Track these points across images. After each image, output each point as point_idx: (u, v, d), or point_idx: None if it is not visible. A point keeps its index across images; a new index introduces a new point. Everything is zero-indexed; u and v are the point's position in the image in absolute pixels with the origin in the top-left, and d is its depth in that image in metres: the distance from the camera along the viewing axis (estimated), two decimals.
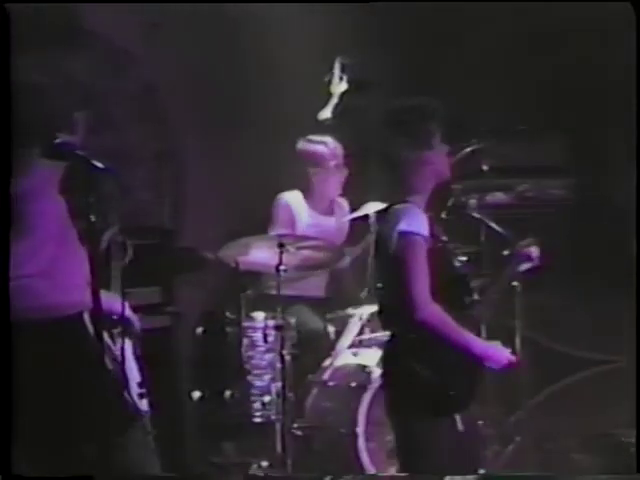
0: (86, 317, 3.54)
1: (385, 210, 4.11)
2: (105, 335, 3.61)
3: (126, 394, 3.62)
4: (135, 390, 3.72)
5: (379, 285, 4.15)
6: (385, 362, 4.12)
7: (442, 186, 4.17)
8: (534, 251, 4.30)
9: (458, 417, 3.99)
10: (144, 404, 3.74)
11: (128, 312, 3.80)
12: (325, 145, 6.14)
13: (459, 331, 3.91)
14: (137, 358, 3.87)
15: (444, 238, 4.12)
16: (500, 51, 6.50)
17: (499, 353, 4.01)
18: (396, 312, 3.99)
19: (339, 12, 6.39)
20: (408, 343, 3.97)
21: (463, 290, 4.08)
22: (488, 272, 5.28)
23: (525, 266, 4.32)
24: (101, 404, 3.39)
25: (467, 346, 3.92)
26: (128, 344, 3.81)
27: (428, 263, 3.93)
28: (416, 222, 3.95)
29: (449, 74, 6.57)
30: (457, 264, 4.20)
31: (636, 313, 4.56)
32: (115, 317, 3.73)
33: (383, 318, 4.22)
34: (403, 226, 3.93)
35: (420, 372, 3.92)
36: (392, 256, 3.95)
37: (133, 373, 3.79)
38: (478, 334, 4.07)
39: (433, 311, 3.88)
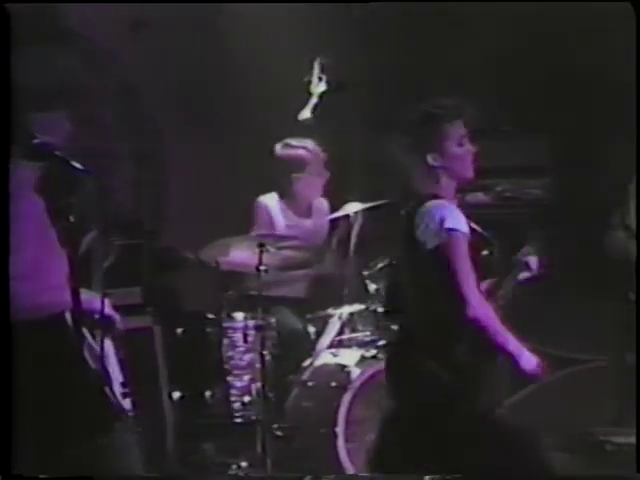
0: (68, 317, 3.54)
1: (412, 208, 4.06)
2: (87, 335, 3.61)
3: (110, 393, 3.62)
4: (118, 389, 3.71)
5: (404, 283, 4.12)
6: (396, 359, 4.13)
7: (465, 186, 4.18)
8: (533, 260, 4.29)
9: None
10: (127, 403, 3.74)
11: (110, 311, 3.80)
12: (306, 149, 6.14)
13: (502, 330, 3.93)
14: (119, 358, 3.87)
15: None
16: (488, 51, 6.52)
17: (530, 355, 4.01)
18: (416, 309, 4.02)
19: (320, 12, 6.41)
20: (421, 340, 3.99)
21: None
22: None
23: (524, 275, 4.30)
24: (84, 403, 3.40)
25: (505, 343, 3.93)
26: (110, 344, 3.81)
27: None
28: (459, 219, 3.97)
29: (431, 74, 6.59)
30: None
31: (636, 313, 4.58)
32: (97, 316, 3.73)
33: (397, 316, 4.26)
34: (449, 223, 3.92)
35: (433, 370, 3.94)
36: (434, 253, 3.93)
37: (116, 373, 3.79)
38: None
39: (485, 308, 3.90)
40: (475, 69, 6.53)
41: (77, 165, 3.38)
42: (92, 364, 3.57)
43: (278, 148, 6.14)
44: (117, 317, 3.86)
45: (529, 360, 3.99)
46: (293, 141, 6.14)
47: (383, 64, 6.56)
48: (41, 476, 3.43)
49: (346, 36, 6.42)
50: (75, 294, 3.37)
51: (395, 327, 4.37)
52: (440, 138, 4.08)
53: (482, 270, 4.21)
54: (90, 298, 3.66)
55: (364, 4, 6.35)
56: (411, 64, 6.65)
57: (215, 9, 6.38)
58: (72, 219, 3.37)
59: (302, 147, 6.14)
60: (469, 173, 4.14)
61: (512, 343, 3.96)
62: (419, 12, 6.49)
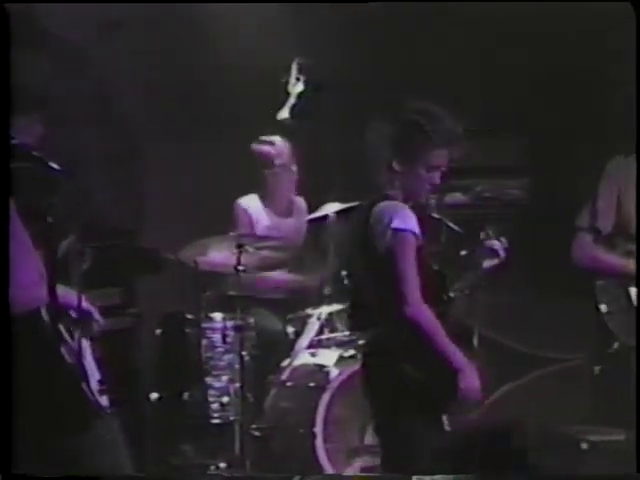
0: (44, 313, 3.52)
1: (368, 208, 4.06)
2: (64, 331, 3.59)
3: (87, 390, 3.61)
4: (95, 386, 3.70)
5: (363, 282, 4.09)
6: (368, 360, 4.10)
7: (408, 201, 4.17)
8: (497, 244, 4.28)
9: (445, 417, 4.00)
10: (105, 400, 3.73)
11: (88, 307, 3.78)
12: (271, 145, 6.16)
13: (444, 337, 3.88)
14: (96, 355, 3.85)
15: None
16: (469, 52, 6.53)
17: (474, 375, 3.94)
18: (383, 310, 3.98)
19: (298, 12, 6.41)
20: (394, 341, 3.95)
21: (441, 287, 4.07)
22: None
23: (490, 262, 4.30)
24: (62, 400, 3.39)
25: (448, 354, 3.87)
26: (86, 342, 3.80)
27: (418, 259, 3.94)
28: (409, 219, 3.96)
29: (410, 74, 6.60)
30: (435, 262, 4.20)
31: (636, 314, 4.60)
32: (73, 313, 3.71)
33: (362, 316, 4.16)
34: (397, 223, 3.93)
35: (405, 370, 3.91)
36: (383, 253, 3.93)
37: (92, 370, 3.78)
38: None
39: (423, 309, 3.87)
40: (455, 70, 6.54)
41: (55, 166, 3.37)
42: (69, 360, 3.56)
43: (252, 146, 6.16)
44: (95, 313, 3.84)
45: (471, 379, 3.91)
46: (263, 138, 6.15)
47: (362, 64, 6.56)
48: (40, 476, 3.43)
49: (325, 37, 6.43)
50: (51, 291, 3.36)
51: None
52: (413, 153, 4.02)
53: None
54: (67, 294, 3.65)
55: (346, 4, 6.35)
56: (391, 64, 6.66)
57: (195, 9, 6.36)
58: (50, 220, 3.36)
59: (268, 142, 6.15)
60: (420, 197, 4.10)
61: (456, 355, 3.89)
62: (399, 12, 6.49)
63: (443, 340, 3.88)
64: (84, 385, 3.57)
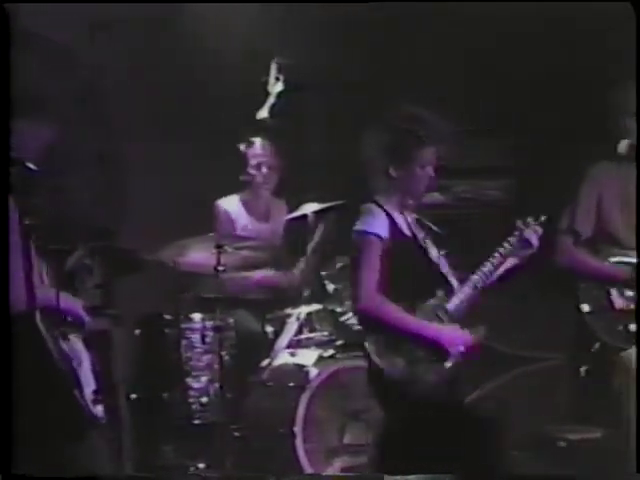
0: (37, 316, 3.51)
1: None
2: (59, 337, 3.58)
3: (80, 398, 3.58)
4: (89, 396, 3.67)
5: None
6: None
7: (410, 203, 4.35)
8: (534, 236, 4.38)
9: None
10: (99, 410, 3.70)
11: (80, 312, 3.76)
12: (249, 145, 6.16)
13: (406, 318, 4.07)
14: (93, 365, 3.82)
15: (419, 234, 4.31)
16: (451, 52, 6.55)
17: (454, 335, 4.13)
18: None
19: (278, 12, 6.40)
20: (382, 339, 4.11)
21: (435, 283, 4.23)
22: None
23: (525, 252, 4.39)
24: (52, 406, 3.37)
25: (418, 332, 4.06)
26: (84, 351, 3.77)
27: (387, 259, 4.13)
28: (373, 222, 4.17)
29: (391, 74, 6.61)
30: (434, 258, 4.33)
31: (636, 314, 4.63)
32: (70, 319, 3.69)
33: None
34: (359, 225, 4.18)
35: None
36: (351, 254, 4.21)
37: (88, 379, 3.74)
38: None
39: (374, 301, 4.06)
40: (437, 70, 6.56)
41: (32, 166, 3.37)
42: (61, 366, 3.54)
43: (233, 146, 6.17)
44: (88, 321, 3.81)
45: (453, 340, 4.10)
46: (243, 139, 6.16)
47: (344, 64, 6.57)
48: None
49: (304, 36, 6.43)
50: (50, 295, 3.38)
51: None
52: (409, 157, 4.22)
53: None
54: (66, 300, 3.64)
55: (330, 4, 6.35)
56: (371, 64, 6.66)
57: (175, 9, 6.35)
58: (27, 221, 3.36)
59: (247, 142, 6.16)
60: (419, 196, 4.33)
61: (426, 329, 4.08)
62: (379, 13, 6.50)
63: (407, 322, 4.07)
64: (77, 393, 3.54)
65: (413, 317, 4.10)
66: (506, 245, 4.39)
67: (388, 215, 4.27)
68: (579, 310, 4.88)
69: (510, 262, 4.44)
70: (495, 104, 6.53)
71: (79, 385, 3.59)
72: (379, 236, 4.16)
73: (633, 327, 4.80)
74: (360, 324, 4.30)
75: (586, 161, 5.00)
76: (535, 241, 4.41)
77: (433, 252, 4.38)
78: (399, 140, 4.21)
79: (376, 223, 4.20)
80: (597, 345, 4.95)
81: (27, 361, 3.41)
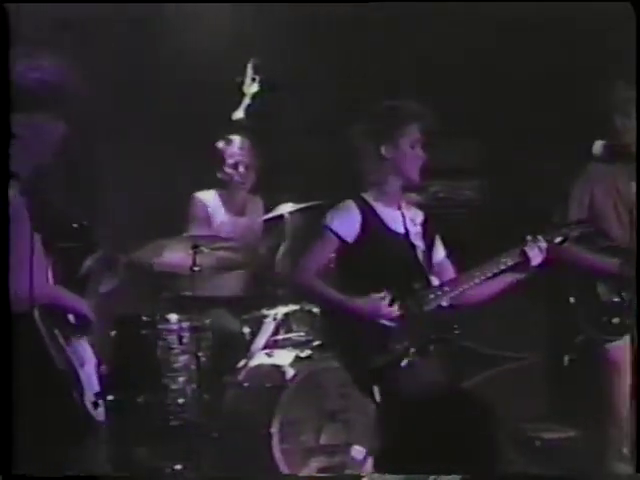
0: (36, 315, 3.49)
1: None
2: (59, 336, 3.55)
3: (78, 401, 3.56)
4: (90, 398, 3.64)
5: None
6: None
7: (410, 189, 4.51)
8: (537, 254, 4.40)
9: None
10: (100, 413, 3.66)
11: (88, 315, 3.73)
12: (227, 142, 6.16)
13: (331, 294, 4.29)
14: (98, 369, 3.79)
15: (405, 229, 4.43)
16: (422, 52, 6.55)
17: (376, 305, 4.24)
18: None
19: (255, 12, 6.40)
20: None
21: (413, 277, 4.35)
22: None
23: (523, 271, 4.43)
24: (49, 407, 3.36)
25: (342, 305, 4.26)
26: (90, 353, 3.73)
27: (344, 259, 4.34)
28: (340, 220, 4.35)
29: (366, 73, 6.62)
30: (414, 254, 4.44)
31: (636, 310, 4.66)
32: (73, 318, 3.67)
33: None
34: (327, 220, 4.39)
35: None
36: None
37: (91, 381, 3.70)
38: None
39: (308, 279, 4.31)
40: (411, 71, 6.57)
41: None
42: (61, 366, 3.52)
43: (211, 144, 6.16)
44: (95, 321, 3.78)
45: (376, 310, 4.24)
46: (222, 136, 6.15)
47: (318, 64, 6.57)
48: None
49: (280, 37, 6.42)
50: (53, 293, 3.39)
51: None
52: (396, 134, 4.37)
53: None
54: (71, 299, 3.62)
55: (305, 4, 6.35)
56: (346, 64, 6.67)
57: (149, 9, 6.33)
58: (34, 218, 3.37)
59: (226, 140, 6.15)
60: (415, 176, 4.46)
61: (349, 303, 4.26)
62: (353, 13, 6.50)
63: (331, 297, 4.29)
64: (76, 395, 3.52)
65: (341, 296, 4.28)
66: (502, 262, 4.40)
67: (370, 211, 4.38)
68: (565, 301, 4.93)
69: (503, 281, 4.45)
70: (469, 104, 6.55)
71: (79, 387, 3.56)
72: (338, 236, 4.35)
73: (616, 320, 4.85)
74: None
75: (579, 159, 5.05)
76: (536, 260, 4.42)
77: (439, 253, 4.51)
78: (382, 120, 4.39)
79: (343, 223, 4.36)
80: (580, 337, 5.01)
81: (25, 360, 3.39)
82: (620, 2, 4.78)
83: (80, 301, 3.71)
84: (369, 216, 4.39)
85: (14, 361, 3.32)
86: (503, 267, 4.41)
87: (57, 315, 3.53)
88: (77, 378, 3.55)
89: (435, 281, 4.44)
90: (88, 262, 4.17)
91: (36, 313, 3.45)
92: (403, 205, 4.53)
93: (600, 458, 4.91)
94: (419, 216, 4.56)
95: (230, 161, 6.15)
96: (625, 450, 4.61)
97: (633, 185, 4.49)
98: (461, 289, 4.39)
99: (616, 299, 4.86)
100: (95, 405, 3.60)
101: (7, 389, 3.28)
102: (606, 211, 4.97)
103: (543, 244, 4.43)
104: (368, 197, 4.44)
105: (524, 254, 4.41)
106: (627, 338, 4.72)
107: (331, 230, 4.36)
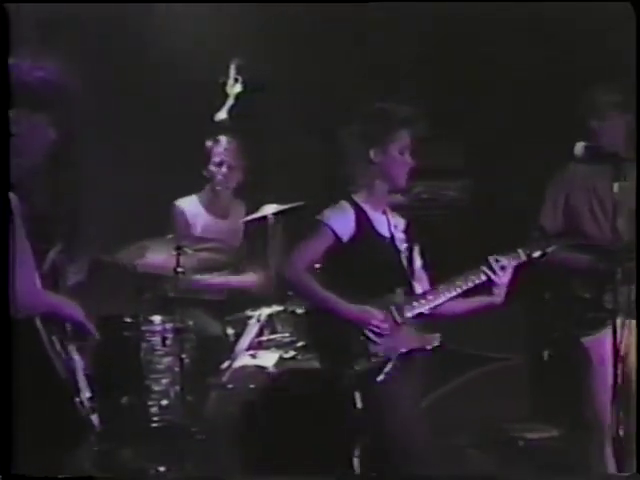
0: (38, 322, 3.48)
1: None
2: (57, 343, 3.54)
3: (79, 406, 3.55)
4: (87, 403, 3.63)
5: None
6: None
7: (396, 193, 4.52)
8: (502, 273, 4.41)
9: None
10: (95, 419, 3.66)
11: (84, 322, 3.71)
12: (213, 142, 6.15)
13: (319, 291, 4.25)
14: (86, 372, 3.78)
15: (398, 236, 4.41)
16: (409, 53, 6.56)
17: (367, 316, 4.22)
18: None
19: (240, 13, 6.39)
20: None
21: (397, 282, 4.34)
22: None
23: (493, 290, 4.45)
24: (50, 413, 3.35)
25: (333, 308, 4.22)
26: (76, 355, 3.72)
27: (337, 256, 4.30)
28: (336, 217, 4.33)
29: (350, 74, 6.62)
30: (404, 261, 4.44)
31: (636, 309, 4.69)
32: (69, 326, 3.65)
33: None
34: (321, 216, 4.36)
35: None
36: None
37: (83, 387, 3.70)
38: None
39: (297, 273, 4.27)
40: (395, 71, 6.58)
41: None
42: (62, 373, 3.51)
43: (197, 144, 6.16)
44: (91, 327, 3.76)
45: (366, 320, 4.21)
46: (208, 136, 6.14)
47: (302, 65, 6.57)
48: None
49: (263, 37, 6.42)
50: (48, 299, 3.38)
51: None
52: (386, 139, 4.36)
53: None
54: (66, 306, 3.61)
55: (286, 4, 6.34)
56: (329, 65, 6.67)
57: (137, 9, 6.32)
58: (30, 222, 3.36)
59: (212, 140, 6.14)
60: (402, 182, 4.45)
61: (342, 307, 4.23)
62: (337, 14, 6.51)
63: (322, 298, 4.25)
64: (77, 401, 3.51)
65: (331, 295, 4.24)
66: (470, 279, 4.41)
67: (362, 213, 4.38)
68: (541, 299, 4.96)
69: (479, 301, 4.46)
70: (455, 105, 6.56)
71: (78, 392, 3.56)
72: (333, 231, 4.31)
73: (591, 314, 4.89)
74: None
75: (555, 161, 5.09)
76: (501, 280, 4.42)
77: (417, 262, 4.49)
78: (373, 123, 4.36)
79: (339, 220, 4.34)
80: (556, 334, 5.04)
81: (26, 366, 3.37)
82: (620, 2, 4.79)
83: (75, 307, 3.70)
84: (361, 217, 4.39)
85: (15, 367, 3.32)
86: (471, 284, 4.40)
87: (55, 322, 3.52)
88: (76, 384, 3.55)
89: (418, 287, 4.44)
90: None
91: (37, 320, 3.44)
92: (387, 210, 4.53)
93: (584, 457, 4.93)
94: (401, 223, 4.56)
95: (215, 159, 6.14)
96: (608, 447, 4.63)
97: (614, 185, 4.51)
98: (433, 304, 4.39)
99: (588, 295, 4.90)
100: (92, 410, 3.61)
101: (7, 391, 3.27)
102: (581, 210, 5.03)
103: (506, 263, 4.41)
104: (358, 199, 4.43)
105: (486, 274, 4.41)
106: (603, 331, 4.74)
107: (328, 226, 4.32)
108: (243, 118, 6.04)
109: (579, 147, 4.70)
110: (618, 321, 4.42)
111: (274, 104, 6.22)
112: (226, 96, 6.01)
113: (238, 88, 6.00)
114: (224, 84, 6.02)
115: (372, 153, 4.37)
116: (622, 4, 4.69)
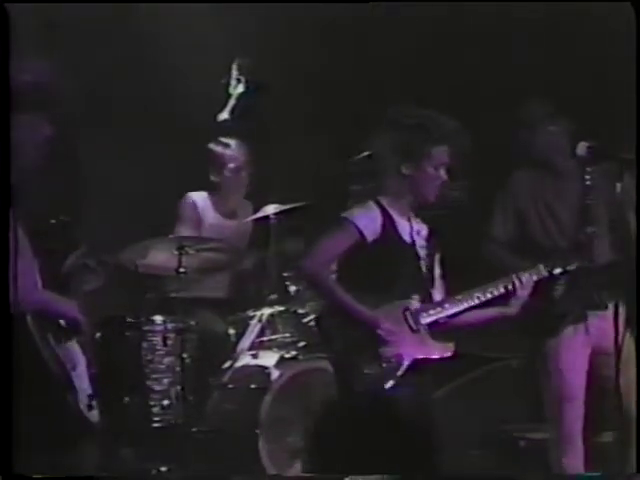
0: (29, 320, 3.47)
1: None
2: (51, 340, 3.54)
3: (73, 404, 3.54)
4: (84, 401, 3.62)
5: None
6: None
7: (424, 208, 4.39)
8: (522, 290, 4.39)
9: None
10: (94, 416, 3.65)
11: (78, 318, 3.71)
12: (225, 147, 6.16)
13: (337, 289, 4.17)
14: (90, 370, 3.77)
15: (412, 240, 4.33)
16: (408, 51, 6.55)
17: (380, 319, 4.16)
18: None
19: (242, 13, 6.39)
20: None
21: (416, 288, 4.30)
22: None
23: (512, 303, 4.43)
24: (44, 411, 3.35)
25: (353, 311, 4.15)
26: (80, 354, 3.71)
27: (361, 255, 4.20)
28: (361, 216, 4.23)
29: (351, 73, 6.62)
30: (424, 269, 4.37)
31: (637, 312, 4.69)
32: (64, 322, 3.65)
33: None
34: (346, 213, 4.27)
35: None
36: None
37: (83, 384, 3.68)
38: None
39: (317, 269, 4.19)
40: (395, 69, 6.57)
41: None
42: (55, 370, 3.50)
43: (207, 146, 6.15)
44: (84, 324, 3.76)
45: (386, 328, 4.14)
46: (220, 139, 6.14)
47: (304, 65, 6.57)
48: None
49: (265, 37, 6.42)
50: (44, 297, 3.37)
51: None
52: (421, 154, 4.22)
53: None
54: (61, 303, 3.60)
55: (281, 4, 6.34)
56: (330, 65, 6.67)
57: (138, 9, 6.32)
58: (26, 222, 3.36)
59: (223, 144, 6.15)
60: (432, 198, 4.33)
61: (362, 312, 4.15)
62: (339, 13, 6.51)
63: (342, 299, 4.15)
64: (70, 398, 3.50)
65: (347, 295, 4.16)
66: (489, 291, 4.39)
67: (387, 216, 4.29)
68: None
69: (492, 312, 4.44)
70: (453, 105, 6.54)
71: (73, 390, 3.55)
72: (358, 229, 4.20)
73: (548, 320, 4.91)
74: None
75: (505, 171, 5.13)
76: (521, 293, 4.41)
77: (436, 270, 4.43)
78: (411, 136, 4.20)
79: (364, 218, 4.24)
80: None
81: (19, 364, 3.36)
82: (620, 2, 4.78)
83: (69, 304, 3.70)
84: (386, 220, 4.29)
85: (14, 366, 3.31)
86: (490, 296, 4.37)
87: (49, 319, 3.52)
88: (70, 381, 3.54)
89: (436, 295, 4.41)
90: (70, 260, 4.13)
91: (29, 319, 3.44)
92: (412, 216, 4.41)
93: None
94: (424, 229, 4.45)
95: (231, 165, 6.14)
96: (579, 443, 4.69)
97: (617, 186, 4.50)
98: (449, 312, 4.36)
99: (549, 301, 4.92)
100: (89, 407, 3.60)
101: (7, 391, 3.27)
102: (529, 215, 5.04)
103: (527, 278, 4.40)
104: (384, 201, 4.33)
105: (506, 288, 4.39)
106: (570, 329, 4.84)
107: (354, 224, 4.21)
108: (246, 118, 6.04)
109: (581, 147, 4.69)
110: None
111: (276, 104, 6.21)
112: (229, 96, 6.01)
113: (240, 88, 6.00)
114: (227, 84, 6.02)
115: (404, 167, 4.24)
116: (622, 4, 4.69)
